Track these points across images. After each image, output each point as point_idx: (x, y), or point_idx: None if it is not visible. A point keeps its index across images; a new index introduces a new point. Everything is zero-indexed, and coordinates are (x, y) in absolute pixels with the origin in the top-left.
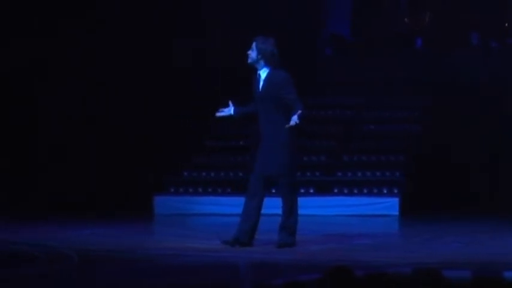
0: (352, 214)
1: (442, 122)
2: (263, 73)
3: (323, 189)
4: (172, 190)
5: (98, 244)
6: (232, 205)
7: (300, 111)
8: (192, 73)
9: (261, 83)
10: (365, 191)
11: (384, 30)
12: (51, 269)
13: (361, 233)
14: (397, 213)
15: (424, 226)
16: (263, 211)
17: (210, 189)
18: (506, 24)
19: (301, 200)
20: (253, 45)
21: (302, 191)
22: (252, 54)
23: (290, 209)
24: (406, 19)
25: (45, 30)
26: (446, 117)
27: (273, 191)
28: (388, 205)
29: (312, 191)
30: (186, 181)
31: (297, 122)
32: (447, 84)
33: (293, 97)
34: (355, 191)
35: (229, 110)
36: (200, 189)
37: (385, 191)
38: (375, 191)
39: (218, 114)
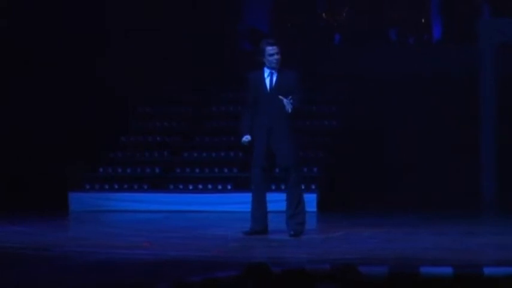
0: (270, 210)
1: (360, 118)
2: (276, 72)
3: (241, 185)
4: (87, 187)
5: (11, 242)
6: (149, 201)
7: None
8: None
9: (274, 81)
10: (282, 187)
11: (302, 25)
12: None
13: (280, 229)
14: (314, 209)
15: (341, 222)
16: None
17: (126, 186)
18: (423, 20)
19: (219, 197)
20: (278, 49)
21: (220, 187)
22: (279, 57)
23: (298, 201)
24: (323, 14)
25: None
26: (365, 112)
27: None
28: (306, 201)
29: (229, 187)
30: (102, 177)
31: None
32: (366, 80)
33: (301, 96)
34: (273, 187)
35: (248, 138)
36: (116, 186)
37: (302, 187)
38: None
39: (245, 143)
